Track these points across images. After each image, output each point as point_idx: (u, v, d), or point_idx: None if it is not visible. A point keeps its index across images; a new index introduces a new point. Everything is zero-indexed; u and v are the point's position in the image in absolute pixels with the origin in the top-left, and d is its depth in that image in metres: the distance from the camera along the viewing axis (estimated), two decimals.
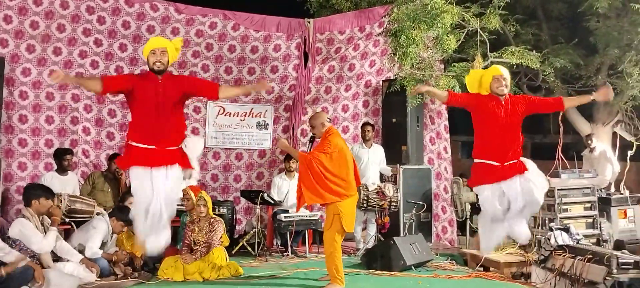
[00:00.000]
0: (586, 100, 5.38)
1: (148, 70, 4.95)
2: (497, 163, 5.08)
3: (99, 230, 6.11)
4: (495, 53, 8.72)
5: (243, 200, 9.25)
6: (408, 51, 7.95)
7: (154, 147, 4.75)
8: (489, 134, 5.12)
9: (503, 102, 5.11)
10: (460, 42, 8.67)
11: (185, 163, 4.87)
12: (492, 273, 7.04)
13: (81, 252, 5.94)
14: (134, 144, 4.80)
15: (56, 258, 5.76)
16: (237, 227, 9.03)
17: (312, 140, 6.52)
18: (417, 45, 8.05)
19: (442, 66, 9.39)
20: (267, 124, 9.65)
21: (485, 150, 5.15)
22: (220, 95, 5.11)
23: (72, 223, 6.60)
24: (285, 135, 9.67)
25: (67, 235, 6.46)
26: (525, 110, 5.17)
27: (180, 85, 4.97)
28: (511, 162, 5.11)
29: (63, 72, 5.06)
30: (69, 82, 5.35)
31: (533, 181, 5.06)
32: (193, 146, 4.97)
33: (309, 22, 9.29)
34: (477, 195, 5.47)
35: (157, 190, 4.70)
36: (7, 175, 8.10)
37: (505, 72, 5.17)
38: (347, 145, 9.01)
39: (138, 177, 4.75)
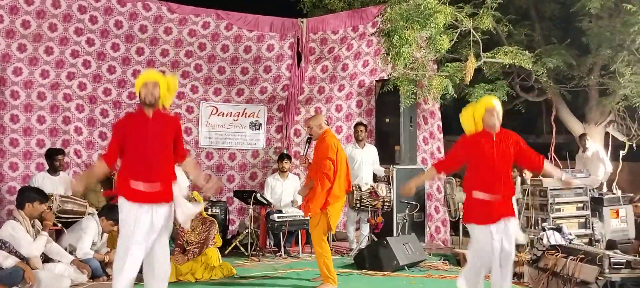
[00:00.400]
0: (559, 177, 5.37)
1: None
2: (489, 198, 5.02)
3: (88, 231, 6.06)
4: (488, 53, 8.75)
5: (236, 200, 9.22)
6: (401, 51, 7.96)
7: (142, 184, 4.62)
8: (482, 171, 5.06)
9: (495, 138, 5.04)
10: (453, 42, 8.69)
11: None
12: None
13: (72, 253, 5.90)
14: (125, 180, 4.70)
15: (47, 259, 5.72)
16: (230, 228, 9.01)
17: (308, 141, 6.51)
18: (410, 45, 8.05)
19: (436, 66, 9.41)
20: (260, 124, 9.63)
21: (478, 185, 5.08)
22: (183, 164, 5.07)
23: (63, 224, 6.53)
24: (279, 135, 9.66)
25: (58, 236, 6.40)
26: (514, 152, 5.09)
27: (172, 128, 4.88)
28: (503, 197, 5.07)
29: (75, 182, 5.04)
30: (83, 184, 5.21)
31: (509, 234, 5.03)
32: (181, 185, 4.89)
33: (302, 22, 9.27)
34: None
35: (142, 231, 4.58)
36: None
37: (497, 105, 5.11)
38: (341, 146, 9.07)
39: (124, 209, 4.65)
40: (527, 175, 9.58)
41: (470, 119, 5.20)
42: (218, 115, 9.40)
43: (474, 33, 8.48)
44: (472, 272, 5.19)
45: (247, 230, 7.94)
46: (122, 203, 4.64)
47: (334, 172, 5.92)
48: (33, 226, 5.68)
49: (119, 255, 4.57)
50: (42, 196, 5.81)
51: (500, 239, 4.97)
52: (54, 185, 7.23)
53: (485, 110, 5.07)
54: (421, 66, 8.67)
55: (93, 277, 5.92)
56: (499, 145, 5.03)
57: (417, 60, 8.74)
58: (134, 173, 4.65)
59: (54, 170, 7.47)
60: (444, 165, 5.52)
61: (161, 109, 4.78)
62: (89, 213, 6.66)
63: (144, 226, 4.56)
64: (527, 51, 8.97)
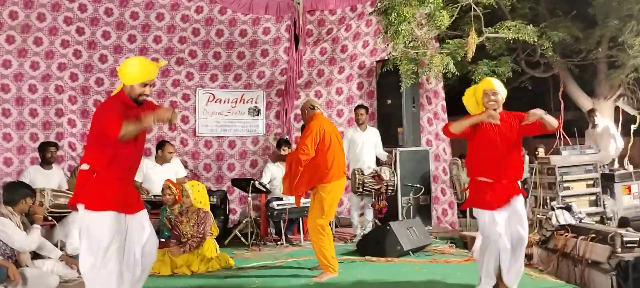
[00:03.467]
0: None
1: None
2: (493, 182, 4.83)
3: (76, 225, 5.83)
4: (490, 28, 8.45)
5: (237, 189, 9.00)
6: (400, 29, 7.66)
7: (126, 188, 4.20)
8: (485, 155, 4.86)
9: (498, 121, 4.81)
10: (454, 18, 8.38)
11: None
12: None
13: (62, 248, 5.71)
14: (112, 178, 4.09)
15: (35, 256, 5.53)
16: (231, 217, 8.81)
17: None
18: (408, 22, 7.75)
19: (437, 44, 9.11)
20: (259, 110, 9.39)
21: (482, 170, 4.90)
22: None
23: (56, 219, 6.34)
24: (278, 120, 9.43)
25: (49, 231, 6.22)
26: (520, 128, 4.87)
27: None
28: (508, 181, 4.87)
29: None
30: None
31: (520, 214, 4.85)
32: None
33: (299, 3, 9.00)
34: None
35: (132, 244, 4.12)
36: None
37: (497, 86, 4.89)
38: (342, 129, 8.83)
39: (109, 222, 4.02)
40: (540, 152, 9.33)
41: (472, 100, 5.05)
42: (215, 102, 9.17)
43: (475, 8, 8.17)
44: (481, 254, 5.01)
45: (246, 219, 7.72)
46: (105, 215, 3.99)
47: (326, 152, 5.69)
48: (22, 222, 5.48)
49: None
50: (31, 191, 5.62)
51: (508, 223, 4.77)
52: (46, 178, 7.07)
53: (483, 93, 4.88)
54: (422, 44, 8.37)
55: None
56: (502, 127, 4.82)
57: (418, 38, 8.43)
58: (122, 173, 4.12)
59: (46, 164, 7.29)
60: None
61: None
62: None
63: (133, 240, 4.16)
64: (531, 25, 8.62)
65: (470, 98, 5.08)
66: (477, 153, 4.96)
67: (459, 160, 9.61)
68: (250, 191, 7.59)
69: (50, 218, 6.12)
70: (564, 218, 6.41)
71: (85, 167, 4.09)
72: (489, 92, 4.85)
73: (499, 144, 4.82)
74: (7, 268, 4.86)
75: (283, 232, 7.75)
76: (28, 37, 7.94)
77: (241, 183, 8.05)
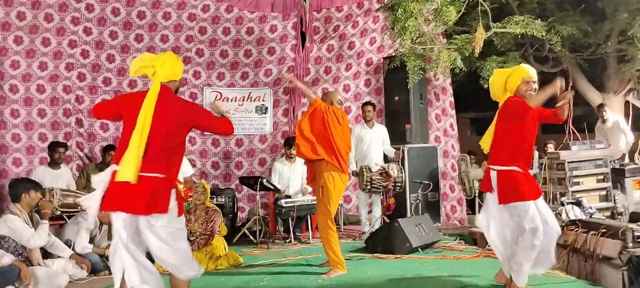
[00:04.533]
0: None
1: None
2: (522, 171, 4.78)
3: (84, 224, 5.86)
4: (498, 23, 8.39)
5: (246, 187, 9.00)
6: (406, 25, 7.63)
7: None
8: (524, 144, 4.80)
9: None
10: (461, 13, 8.33)
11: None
12: None
13: (71, 247, 5.72)
14: None
15: (45, 254, 5.54)
16: (239, 215, 8.81)
17: None
18: (415, 18, 7.71)
19: (444, 40, 9.06)
20: (267, 108, 9.39)
21: (517, 159, 4.79)
22: None
23: (65, 218, 6.37)
24: (286, 118, 9.41)
25: (59, 230, 6.23)
26: (538, 117, 4.89)
27: None
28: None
29: None
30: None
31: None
32: None
33: (305, 1, 8.98)
34: None
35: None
36: (2, 171, 7.95)
37: (535, 74, 4.82)
38: (350, 126, 8.79)
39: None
40: (550, 147, 9.27)
41: (501, 84, 4.90)
42: (222, 100, 9.17)
43: (483, 3, 8.12)
44: (531, 248, 4.82)
45: (255, 217, 7.72)
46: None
47: (334, 146, 5.66)
48: (31, 218, 5.49)
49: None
50: (34, 184, 5.62)
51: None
52: (55, 178, 7.09)
53: (522, 81, 4.77)
54: (429, 40, 8.32)
55: (93, 271, 5.72)
56: (533, 112, 4.78)
57: (425, 34, 8.39)
58: None
59: (54, 164, 7.32)
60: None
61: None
62: None
63: None
64: (539, 19, 8.56)
65: (498, 82, 4.93)
66: (515, 142, 4.80)
67: (468, 157, 9.56)
68: (258, 189, 7.59)
69: (59, 212, 6.12)
70: (574, 213, 6.36)
71: (158, 175, 3.85)
72: (530, 80, 4.76)
73: (533, 133, 4.81)
74: (20, 269, 4.87)
75: (291, 229, 7.74)
76: (36, 38, 7.98)
77: (249, 181, 8.04)
